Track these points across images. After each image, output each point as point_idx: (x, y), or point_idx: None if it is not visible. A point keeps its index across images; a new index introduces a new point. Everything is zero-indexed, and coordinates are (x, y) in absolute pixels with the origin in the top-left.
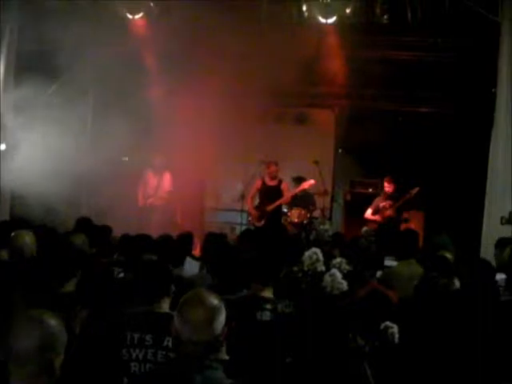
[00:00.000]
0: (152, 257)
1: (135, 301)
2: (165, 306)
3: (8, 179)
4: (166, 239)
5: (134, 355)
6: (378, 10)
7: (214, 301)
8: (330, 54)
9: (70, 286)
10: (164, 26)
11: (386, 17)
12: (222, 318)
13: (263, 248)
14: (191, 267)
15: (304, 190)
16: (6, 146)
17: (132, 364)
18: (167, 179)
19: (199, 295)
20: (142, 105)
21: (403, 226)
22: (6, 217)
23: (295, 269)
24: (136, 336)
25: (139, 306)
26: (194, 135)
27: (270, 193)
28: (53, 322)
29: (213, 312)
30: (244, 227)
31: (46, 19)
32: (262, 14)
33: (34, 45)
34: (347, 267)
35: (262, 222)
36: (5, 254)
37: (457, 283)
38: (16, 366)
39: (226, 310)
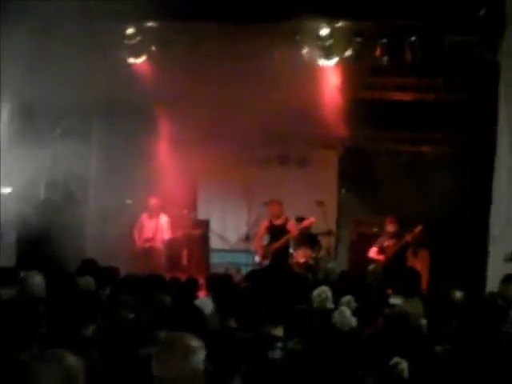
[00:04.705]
0: (166, 297)
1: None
2: None
3: (13, 222)
4: (176, 280)
5: None
6: (377, 52)
7: (191, 342)
8: (331, 95)
9: (90, 331)
10: (165, 71)
11: (385, 58)
12: (196, 358)
13: (271, 288)
14: (206, 307)
15: (307, 229)
16: (12, 189)
17: None
18: (165, 223)
19: (175, 336)
20: (145, 148)
21: (411, 261)
22: (13, 259)
23: (304, 307)
24: None
25: None
26: (198, 178)
27: (276, 232)
28: (72, 361)
29: (186, 352)
30: (250, 268)
31: (47, 64)
32: (262, 57)
33: (36, 90)
34: (356, 305)
35: (268, 262)
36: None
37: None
38: None
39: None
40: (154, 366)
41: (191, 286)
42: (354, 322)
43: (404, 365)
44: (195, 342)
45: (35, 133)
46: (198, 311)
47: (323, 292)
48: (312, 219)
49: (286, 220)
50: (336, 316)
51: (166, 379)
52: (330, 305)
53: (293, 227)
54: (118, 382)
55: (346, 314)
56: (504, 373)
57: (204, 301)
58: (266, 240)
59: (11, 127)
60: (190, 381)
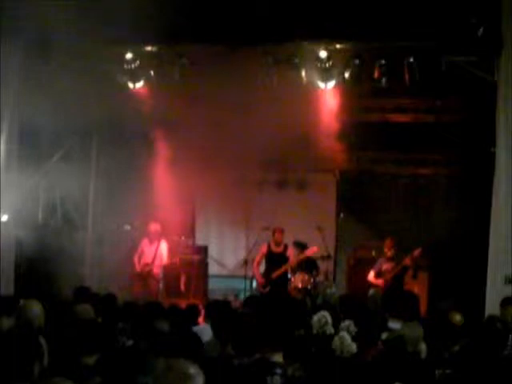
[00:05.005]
0: (164, 324)
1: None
2: None
3: (11, 250)
4: (176, 308)
5: None
6: (376, 74)
7: (189, 369)
8: (330, 118)
9: (91, 360)
10: (164, 95)
11: (384, 80)
12: None
13: (270, 313)
14: (205, 334)
15: (308, 257)
16: (9, 216)
17: None
18: (164, 248)
19: (173, 363)
20: (144, 173)
21: (410, 284)
22: (11, 287)
23: (304, 332)
24: None
25: None
26: (196, 203)
27: (276, 259)
28: None
29: (184, 379)
30: (248, 293)
31: (46, 88)
32: (261, 80)
33: (35, 114)
34: (356, 330)
35: (267, 289)
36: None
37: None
38: None
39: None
40: None
41: (192, 313)
42: (354, 347)
43: None
44: (193, 369)
45: (33, 157)
46: (196, 338)
47: (323, 317)
48: (315, 248)
49: (286, 247)
50: (336, 341)
51: None
52: (329, 330)
53: (292, 254)
54: None
55: (346, 340)
56: None
57: (203, 327)
58: (262, 266)
59: (9, 151)
60: None
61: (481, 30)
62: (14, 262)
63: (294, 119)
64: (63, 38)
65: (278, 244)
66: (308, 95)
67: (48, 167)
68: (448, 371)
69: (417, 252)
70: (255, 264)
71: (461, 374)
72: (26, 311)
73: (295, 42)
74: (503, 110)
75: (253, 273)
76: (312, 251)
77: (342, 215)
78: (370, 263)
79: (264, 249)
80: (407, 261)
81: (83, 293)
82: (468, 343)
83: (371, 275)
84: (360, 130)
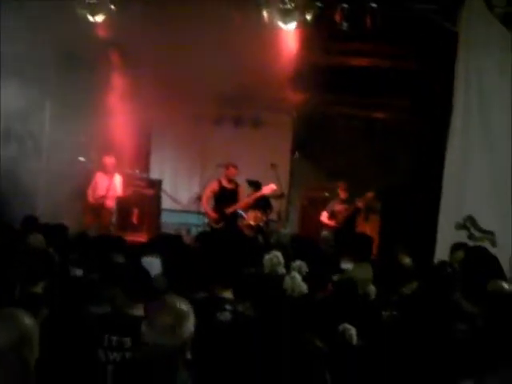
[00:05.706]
0: (120, 258)
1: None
2: (140, 309)
3: None
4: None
5: (111, 358)
6: (337, 17)
7: (182, 306)
8: (289, 59)
9: (38, 288)
10: (123, 26)
11: (345, 24)
12: (189, 323)
13: (221, 250)
14: (154, 267)
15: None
16: None
17: (109, 366)
18: (118, 181)
19: (167, 300)
20: (98, 106)
21: (362, 226)
22: None
23: (255, 271)
24: (114, 339)
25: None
26: (152, 137)
27: (227, 195)
28: (26, 319)
29: (180, 317)
30: (200, 229)
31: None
32: (221, 17)
33: None
34: (307, 270)
35: (220, 225)
36: None
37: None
38: None
39: None
40: (145, 332)
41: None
42: (305, 288)
43: (352, 331)
44: (185, 306)
45: None
46: (144, 271)
47: (275, 257)
48: (273, 186)
49: (237, 185)
50: (287, 281)
51: (159, 346)
52: (281, 270)
53: (243, 192)
54: (67, 339)
55: (296, 280)
56: (449, 340)
57: (151, 261)
58: (211, 202)
59: None
60: (183, 346)
61: None
62: None
63: (254, 58)
64: None
65: (230, 180)
66: (268, 35)
67: (5, 96)
68: (394, 313)
69: (369, 195)
70: (205, 198)
71: (407, 316)
72: None
73: None
74: (463, 59)
75: (203, 208)
76: (270, 189)
77: (296, 154)
78: (323, 204)
79: (215, 185)
80: (360, 203)
81: (30, 222)
82: (418, 286)
83: (324, 216)
84: (318, 72)
